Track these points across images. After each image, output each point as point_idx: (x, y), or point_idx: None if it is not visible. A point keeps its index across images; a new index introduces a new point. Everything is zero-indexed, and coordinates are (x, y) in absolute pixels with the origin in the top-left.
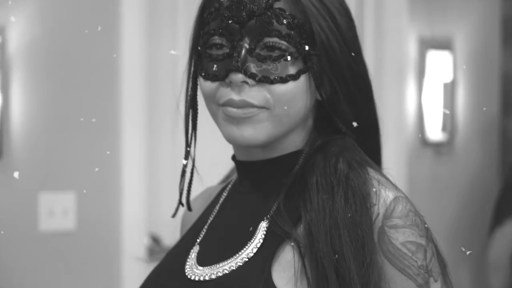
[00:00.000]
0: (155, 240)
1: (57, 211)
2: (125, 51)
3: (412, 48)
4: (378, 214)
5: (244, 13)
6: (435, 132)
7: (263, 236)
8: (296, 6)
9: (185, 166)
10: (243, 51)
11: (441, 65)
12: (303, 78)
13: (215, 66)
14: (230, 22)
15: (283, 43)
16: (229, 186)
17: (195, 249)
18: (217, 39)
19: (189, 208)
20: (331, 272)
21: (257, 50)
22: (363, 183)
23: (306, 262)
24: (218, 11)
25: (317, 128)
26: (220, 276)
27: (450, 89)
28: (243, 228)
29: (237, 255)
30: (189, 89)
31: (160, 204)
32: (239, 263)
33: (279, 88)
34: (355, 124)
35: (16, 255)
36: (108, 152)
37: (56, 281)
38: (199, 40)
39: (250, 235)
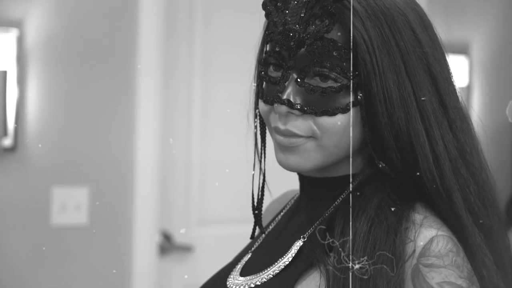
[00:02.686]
0: (166, 237)
1: (70, 205)
2: (143, 46)
3: None
4: (414, 251)
5: (292, 43)
6: None
7: (293, 255)
8: (348, 36)
9: (262, 184)
10: (289, 82)
11: (457, 70)
12: (354, 110)
13: (268, 88)
14: (280, 49)
15: (333, 74)
16: (295, 197)
17: (246, 257)
18: (272, 60)
19: (261, 229)
20: None
21: (306, 80)
22: (402, 219)
23: None
24: (273, 35)
25: (372, 152)
26: None
27: (465, 94)
28: (283, 243)
29: (267, 270)
30: (258, 103)
31: (172, 201)
32: (264, 279)
33: (325, 120)
34: (380, 165)
35: (28, 249)
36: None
37: (68, 275)
38: (262, 54)
39: (284, 252)
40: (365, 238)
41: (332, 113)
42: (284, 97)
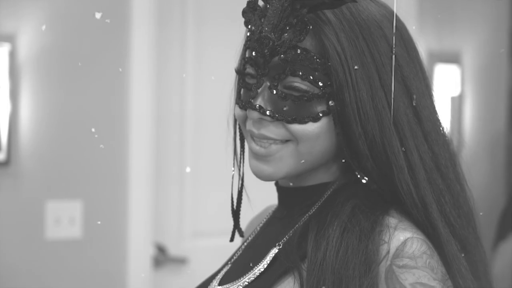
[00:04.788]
0: (161, 249)
1: (64, 219)
2: (134, 60)
3: None
4: (388, 252)
5: (266, 50)
6: None
7: (268, 262)
8: (322, 47)
9: (239, 189)
10: (262, 89)
11: (449, 79)
12: (327, 119)
13: (244, 94)
14: (255, 56)
15: (305, 83)
16: (273, 209)
17: (226, 268)
18: (249, 67)
19: (240, 233)
20: None
21: (279, 87)
22: (376, 224)
23: None
24: (250, 42)
25: (350, 161)
26: None
27: (457, 103)
28: (259, 252)
29: (243, 277)
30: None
31: (166, 213)
32: (240, 286)
33: (296, 127)
34: (364, 180)
35: (22, 263)
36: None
37: None
38: (242, 61)
39: (259, 260)
40: (338, 244)
41: (303, 121)
42: (256, 103)
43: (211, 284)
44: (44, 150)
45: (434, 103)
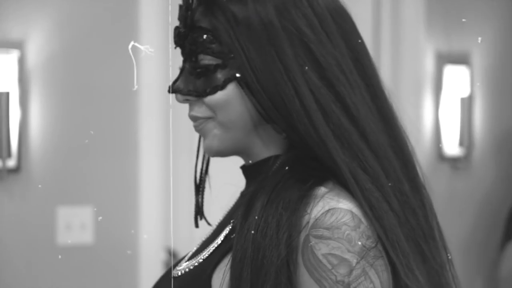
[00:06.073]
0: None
1: (75, 225)
2: (144, 67)
3: (429, 63)
4: (308, 222)
5: (177, 38)
6: (452, 147)
7: (221, 239)
8: (215, 21)
9: (198, 183)
10: (181, 73)
11: (458, 80)
12: (233, 85)
13: None
14: (176, 47)
15: (208, 58)
16: None
17: (197, 246)
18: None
19: (205, 219)
20: (247, 270)
21: (192, 68)
22: (303, 194)
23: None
24: None
25: (262, 116)
26: (183, 274)
27: (467, 104)
28: (219, 230)
29: (200, 254)
30: None
31: (177, 219)
32: (195, 264)
33: (210, 99)
34: (283, 135)
35: (33, 269)
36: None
37: None
38: None
39: (215, 237)
40: (260, 216)
41: (212, 92)
42: (175, 86)
43: (183, 260)
44: (55, 156)
45: (355, 42)
